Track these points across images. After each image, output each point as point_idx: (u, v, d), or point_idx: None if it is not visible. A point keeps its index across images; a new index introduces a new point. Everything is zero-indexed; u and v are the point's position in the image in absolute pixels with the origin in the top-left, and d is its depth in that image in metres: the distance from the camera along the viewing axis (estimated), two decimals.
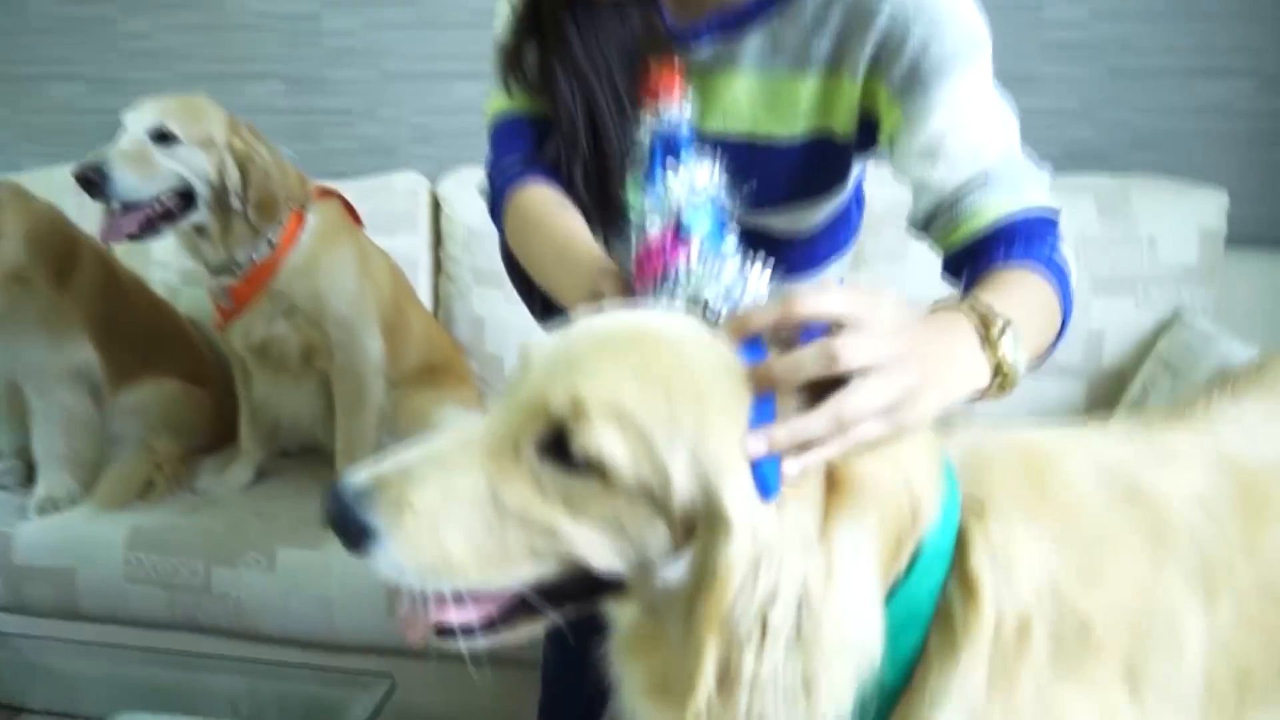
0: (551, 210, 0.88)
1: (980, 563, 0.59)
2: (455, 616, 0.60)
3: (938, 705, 0.59)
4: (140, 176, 1.49)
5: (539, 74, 0.93)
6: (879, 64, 0.84)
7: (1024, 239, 0.79)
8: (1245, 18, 1.86)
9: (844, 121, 0.89)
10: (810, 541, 0.55)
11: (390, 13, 2.17)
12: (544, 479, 0.56)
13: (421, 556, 0.56)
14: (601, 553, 0.57)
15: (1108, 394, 1.74)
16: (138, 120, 1.52)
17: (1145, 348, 1.72)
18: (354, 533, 0.56)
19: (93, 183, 1.46)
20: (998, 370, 0.63)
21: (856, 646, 0.56)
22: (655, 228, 0.63)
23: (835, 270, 1.10)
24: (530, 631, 0.63)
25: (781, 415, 0.55)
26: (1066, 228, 0.83)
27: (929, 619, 0.60)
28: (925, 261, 0.94)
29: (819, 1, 0.86)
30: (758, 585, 0.54)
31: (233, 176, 1.54)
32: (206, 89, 1.65)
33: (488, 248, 1.95)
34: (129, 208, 1.51)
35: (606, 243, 0.91)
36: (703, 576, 0.55)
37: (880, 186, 1.20)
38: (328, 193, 1.71)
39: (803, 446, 0.54)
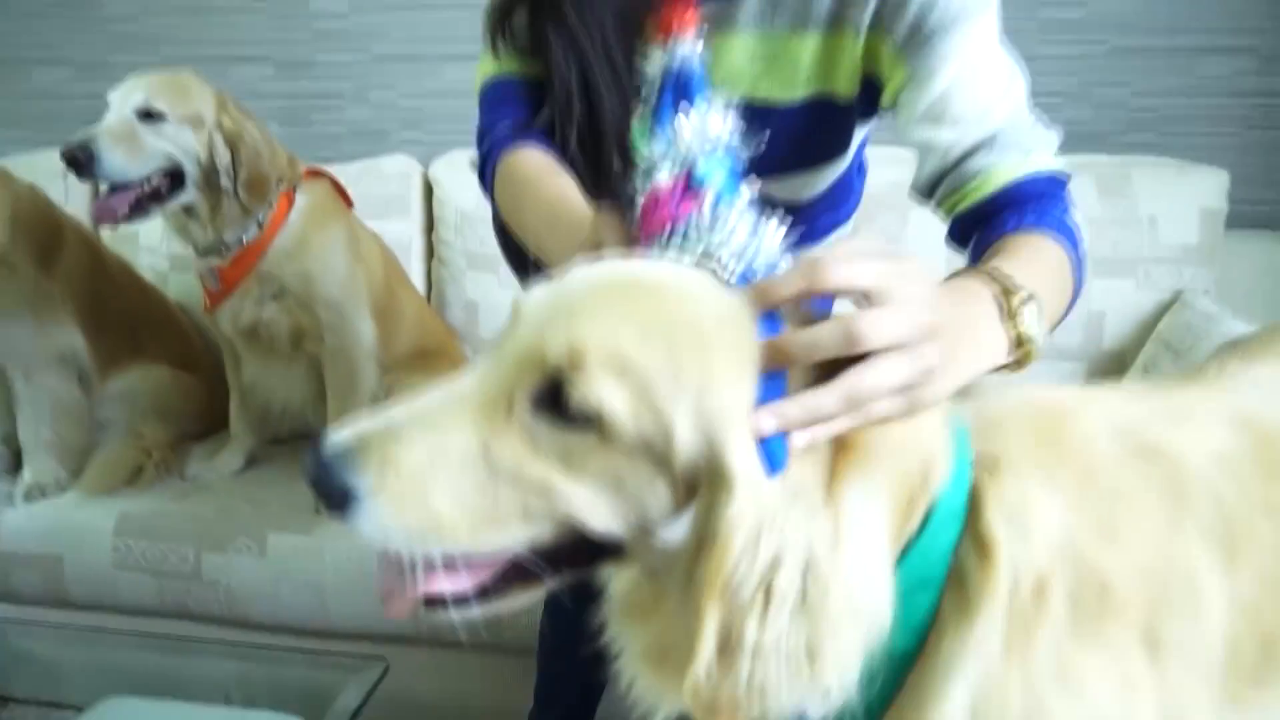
0: (543, 173, 0.85)
1: (995, 521, 0.57)
2: (445, 585, 0.56)
3: (952, 672, 0.57)
4: (128, 156, 1.46)
5: (529, 36, 0.91)
6: (882, 20, 0.82)
7: (1035, 203, 0.77)
8: None
9: (846, 83, 0.87)
10: (816, 504, 0.53)
11: None
12: (538, 434, 0.53)
13: (408, 518, 0.53)
14: (599, 513, 0.54)
15: (1108, 376, 1.73)
16: (124, 98, 1.49)
17: (1146, 329, 1.71)
18: (336, 494, 0.53)
19: (80, 162, 1.43)
20: (1018, 343, 0.61)
21: (865, 613, 0.53)
22: (664, 176, 0.59)
23: (839, 240, 1.07)
24: (525, 599, 0.60)
25: (791, 386, 0.52)
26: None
27: (941, 582, 0.58)
28: (922, 241, 0.92)
29: None
30: (760, 549, 0.51)
31: (222, 155, 1.52)
32: (193, 72, 1.62)
33: (481, 231, 1.93)
34: (116, 188, 1.49)
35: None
36: (704, 538, 0.52)
37: (874, 167, 1.18)
38: (317, 173, 1.69)
39: (813, 422, 0.51)
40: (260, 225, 1.57)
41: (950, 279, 0.66)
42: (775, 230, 0.58)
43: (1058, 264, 0.73)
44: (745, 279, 0.56)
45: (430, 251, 2.06)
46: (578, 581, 0.60)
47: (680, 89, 0.60)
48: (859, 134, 0.96)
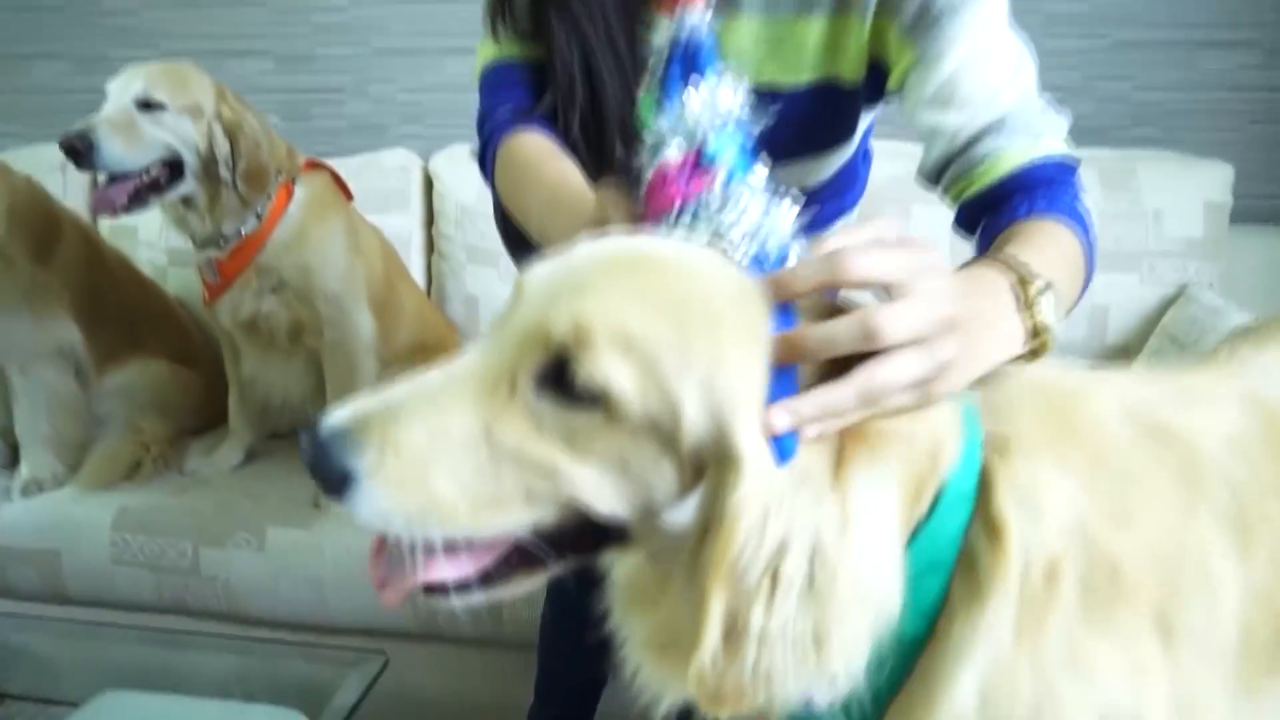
0: (544, 157, 0.84)
1: (1006, 503, 0.56)
2: (445, 570, 0.55)
3: (962, 658, 0.56)
4: (127, 145, 1.45)
5: (530, 19, 0.90)
6: (889, 2, 0.81)
7: (1045, 188, 0.76)
8: None
9: (852, 67, 0.86)
10: (823, 488, 0.52)
11: None
12: (542, 414, 0.51)
13: (407, 501, 0.51)
14: (604, 495, 0.52)
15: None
16: (123, 88, 1.48)
17: (1150, 323, 1.70)
18: (334, 476, 0.51)
19: (79, 152, 1.42)
20: (1035, 333, 0.60)
21: (873, 599, 0.52)
22: (673, 152, 0.56)
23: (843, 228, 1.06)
24: (528, 585, 0.58)
25: (803, 375, 0.51)
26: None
27: (951, 565, 0.57)
28: (924, 235, 0.90)
29: None
30: (767, 533, 0.50)
31: (221, 146, 1.50)
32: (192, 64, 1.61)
33: (481, 225, 1.92)
34: (115, 178, 1.48)
35: None
36: (710, 521, 0.51)
37: (876, 161, 1.16)
38: (316, 165, 1.68)
39: (827, 419, 0.50)
40: (259, 217, 1.56)
41: (965, 267, 0.64)
42: (788, 211, 0.56)
43: (1070, 251, 0.72)
44: (757, 261, 0.54)
45: (430, 246, 2.05)
46: (581, 567, 0.59)
47: (689, 60, 0.58)
48: (865, 120, 0.95)
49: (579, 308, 0.51)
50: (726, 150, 0.56)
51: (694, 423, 0.50)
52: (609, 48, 0.85)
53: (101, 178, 1.49)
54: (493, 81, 0.95)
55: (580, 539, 0.56)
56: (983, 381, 0.59)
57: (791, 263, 0.55)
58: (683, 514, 0.53)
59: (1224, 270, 1.72)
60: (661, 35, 0.59)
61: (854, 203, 1.07)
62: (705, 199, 0.55)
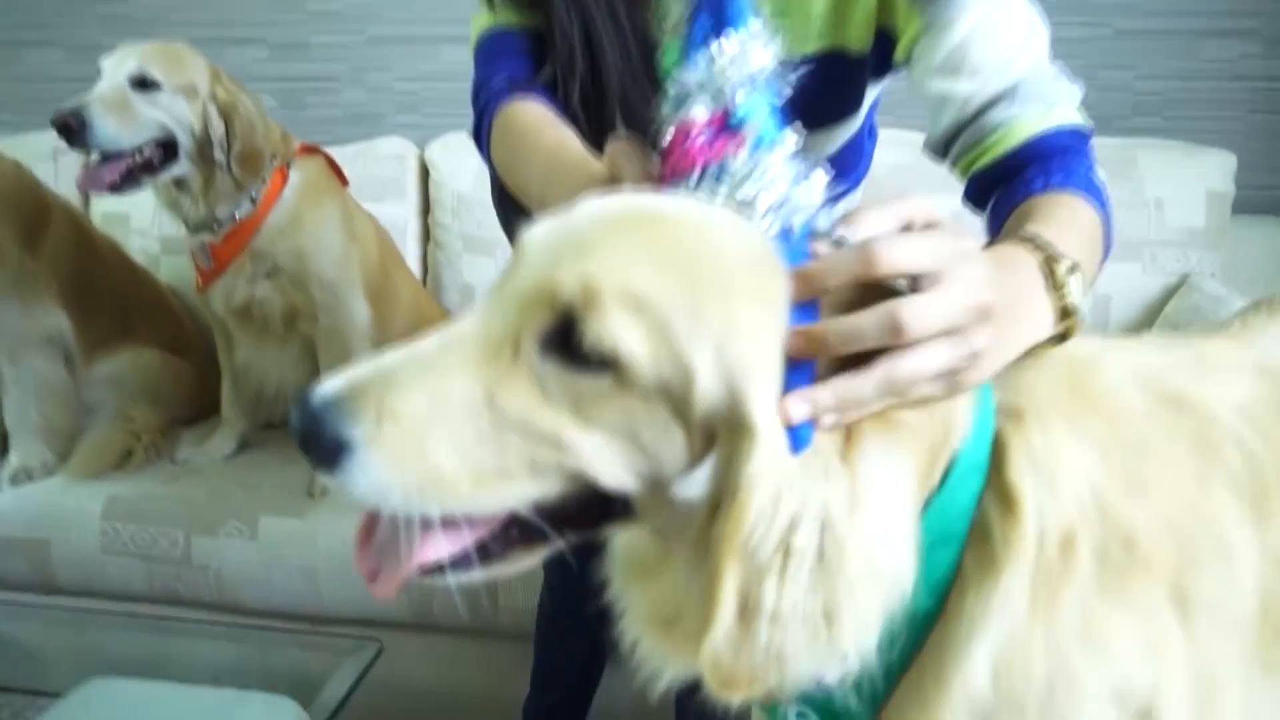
0: (542, 124, 0.81)
1: (1020, 473, 0.54)
2: (443, 547, 0.52)
3: (974, 632, 0.54)
4: (121, 124, 1.43)
5: None
6: None
7: (1060, 159, 0.74)
8: None
9: (859, 37, 0.85)
10: (833, 463, 0.50)
11: None
12: (547, 379, 0.49)
13: (406, 473, 0.48)
14: (610, 465, 0.50)
15: None
16: (117, 65, 1.46)
17: (1153, 312, 1.69)
18: (326, 447, 0.48)
19: (71, 129, 1.40)
20: (1063, 315, 0.58)
21: (884, 574, 0.50)
22: (698, 109, 0.52)
23: (847, 207, 1.05)
24: (526, 562, 0.56)
25: (821, 362, 0.49)
26: None
27: (963, 537, 0.55)
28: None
29: None
30: (780, 508, 0.48)
31: (216, 127, 1.48)
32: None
33: (478, 214, 1.90)
34: (108, 157, 1.45)
35: None
36: (724, 493, 0.49)
37: (876, 148, 1.15)
38: (311, 150, 1.66)
39: (847, 409, 0.48)
40: (253, 201, 1.54)
41: (990, 248, 0.62)
42: (818, 183, 0.52)
43: (1090, 227, 0.70)
44: (782, 235, 0.51)
45: (426, 235, 2.03)
46: (582, 543, 0.57)
47: (718, 8, 0.53)
48: (871, 93, 0.93)
49: (587, 267, 0.48)
50: (757, 112, 0.52)
51: (707, 388, 0.48)
52: (609, 16, 0.84)
53: (94, 157, 1.47)
54: (488, 50, 0.93)
55: (583, 513, 0.54)
56: (1010, 367, 0.57)
57: (816, 242, 0.52)
58: (691, 487, 0.51)
59: (1226, 260, 1.71)
60: None
61: (860, 179, 1.06)
62: (730, 164, 0.52)
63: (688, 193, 0.54)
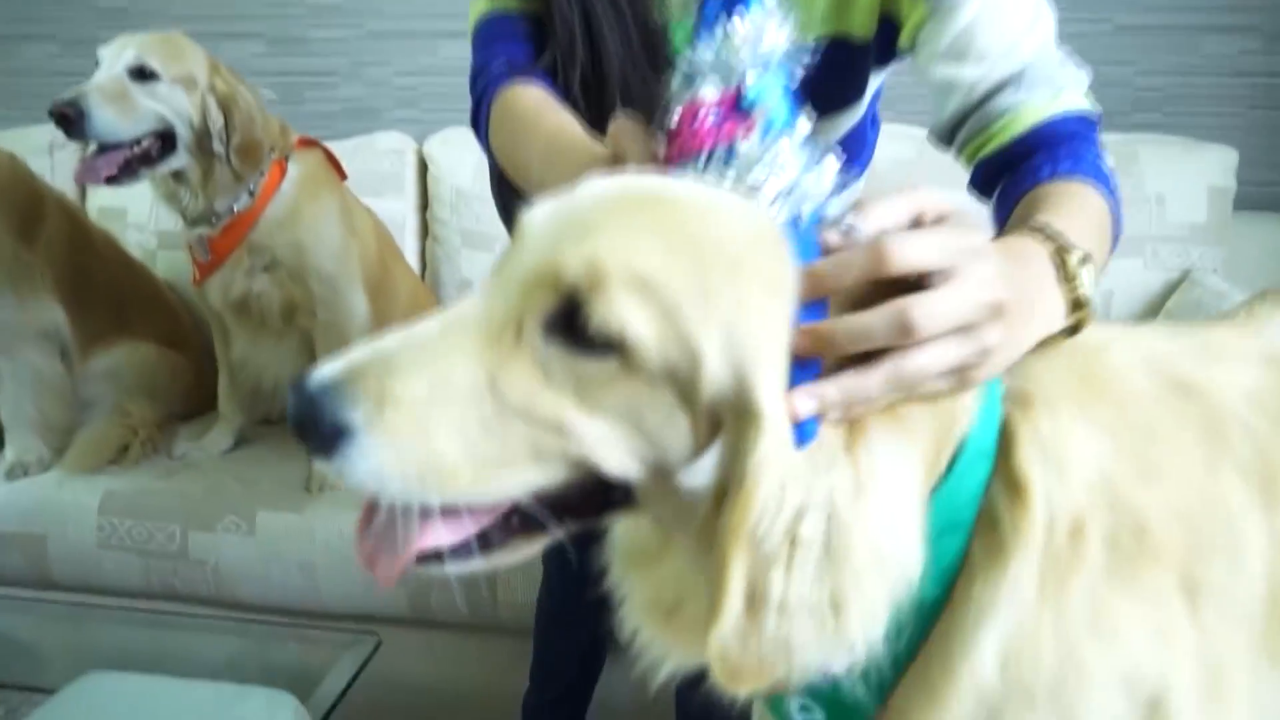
0: (542, 108, 0.80)
1: (1028, 459, 0.53)
2: (443, 536, 0.51)
3: (982, 621, 0.53)
4: (119, 114, 1.42)
5: None
6: None
7: (1068, 145, 0.73)
8: None
9: (862, 23, 0.84)
10: (837, 452, 0.49)
11: None
12: (551, 363, 0.48)
13: (407, 459, 0.47)
14: (615, 452, 0.49)
15: None
16: (115, 56, 1.45)
17: (1154, 308, 1.69)
18: (324, 432, 0.47)
19: (69, 119, 1.39)
20: (1074, 307, 0.57)
21: (890, 563, 0.50)
22: (707, 90, 0.51)
23: (850, 196, 1.04)
24: (526, 551, 0.55)
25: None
26: None
27: (971, 525, 0.55)
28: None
29: None
30: (787, 496, 0.47)
31: (215, 119, 1.47)
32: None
33: (476, 209, 1.90)
34: (106, 149, 1.44)
35: None
36: (729, 481, 0.49)
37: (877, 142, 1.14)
38: (309, 143, 1.65)
39: (853, 405, 0.47)
40: (252, 194, 1.53)
41: (1000, 239, 0.61)
42: (828, 170, 0.50)
43: (1100, 216, 0.69)
44: (790, 224, 0.50)
45: (425, 230, 2.02)
46: (582, 533, 0.56)
47: None
48: (874, 81, 0.92)
49: (592, 247, 0.47)
50: (769, 95, 0.51)
51: (714, 374, 0.47)
52: (610, 2, 0.83)
53: (92, 149, 1.46)
54: (487, 35, 0.91)
55: (585, 502, 0.53)
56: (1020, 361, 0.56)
57: (826, 232, 0.50)
58: (695, 475, 0.50)
59: (1227, 255, 1.71)
60: None
61: (863, 168, 1.05)
62: (739, 147, 0.51)
63: (694, 175, 0.52)
